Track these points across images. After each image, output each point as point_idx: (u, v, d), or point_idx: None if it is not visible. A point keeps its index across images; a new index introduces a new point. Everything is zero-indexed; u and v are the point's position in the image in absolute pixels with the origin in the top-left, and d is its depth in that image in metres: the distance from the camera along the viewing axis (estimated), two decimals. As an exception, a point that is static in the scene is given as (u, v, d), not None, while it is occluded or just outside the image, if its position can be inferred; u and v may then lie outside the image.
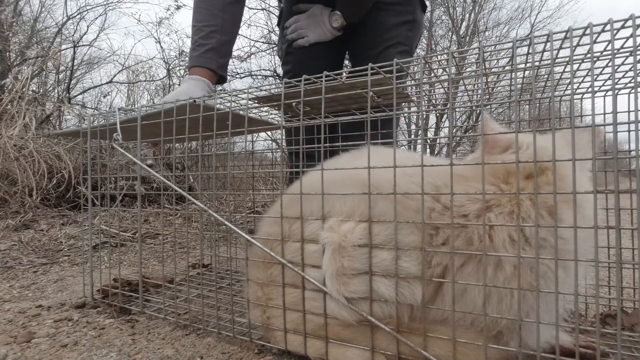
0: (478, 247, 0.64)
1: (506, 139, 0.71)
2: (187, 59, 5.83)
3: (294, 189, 0.82)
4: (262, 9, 6.20)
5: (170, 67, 5.87)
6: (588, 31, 0.57)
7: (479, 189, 0.64)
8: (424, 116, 0.76)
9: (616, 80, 0.78)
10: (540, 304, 0.58)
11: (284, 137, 1.63)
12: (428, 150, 5.03)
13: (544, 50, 0.67)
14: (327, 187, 0.71)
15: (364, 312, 0.67)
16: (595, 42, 0.56)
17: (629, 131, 0.75)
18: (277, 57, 6.33)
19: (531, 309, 0.62)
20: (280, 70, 2.56)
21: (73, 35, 6.36)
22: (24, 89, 2.95)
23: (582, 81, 0.85)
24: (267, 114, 1.10)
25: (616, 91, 0.78)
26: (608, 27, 0.56)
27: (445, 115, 5.61)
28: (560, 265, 0.59)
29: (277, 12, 5.30)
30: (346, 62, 1.69)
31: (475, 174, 0.68)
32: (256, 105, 0.96)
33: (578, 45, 0.61)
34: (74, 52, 6.11)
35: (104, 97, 6.64)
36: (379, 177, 0.68)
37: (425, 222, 0.66)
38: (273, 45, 6.22)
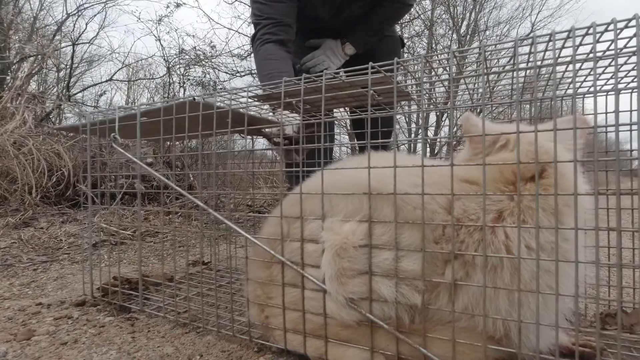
0: (495, 260, 0.63)
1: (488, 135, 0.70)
2: (186, 57, 5.83)
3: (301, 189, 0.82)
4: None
5: (170, 65, 5.85)
6: (591, 31, 0.57)
7: (491, 198, 0.64)
8: (424, 115, 0.76)
9: (618, 80, 0.77)
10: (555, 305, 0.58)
11: (283, 137, 1.66)
12: (428, 149, 5.03)
13: (545, 50, 0.67)
14: (335, 190, 0.71)
15: (362, 309, 0.67)
16: (598, 41, 0.56)
17: (630, 131, 0.75)
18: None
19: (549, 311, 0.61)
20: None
21: (72, 32, 6.34)
22: (23, 87, 2.95)
23: (584, 81, 0.85)
24: (267, 112, 1.10)
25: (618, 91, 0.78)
26: (611, 26, 0.56)
27: (445, 114, 5.61)
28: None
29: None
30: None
31: (486, 179, 0.66)
32: (256, 103, 0.95)
33: (580, 44, 0.60)
34: (73, 50, 6.10)
35: (100, 96, 6.65)
36: (389, 188, 0.68)
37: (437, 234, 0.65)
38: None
